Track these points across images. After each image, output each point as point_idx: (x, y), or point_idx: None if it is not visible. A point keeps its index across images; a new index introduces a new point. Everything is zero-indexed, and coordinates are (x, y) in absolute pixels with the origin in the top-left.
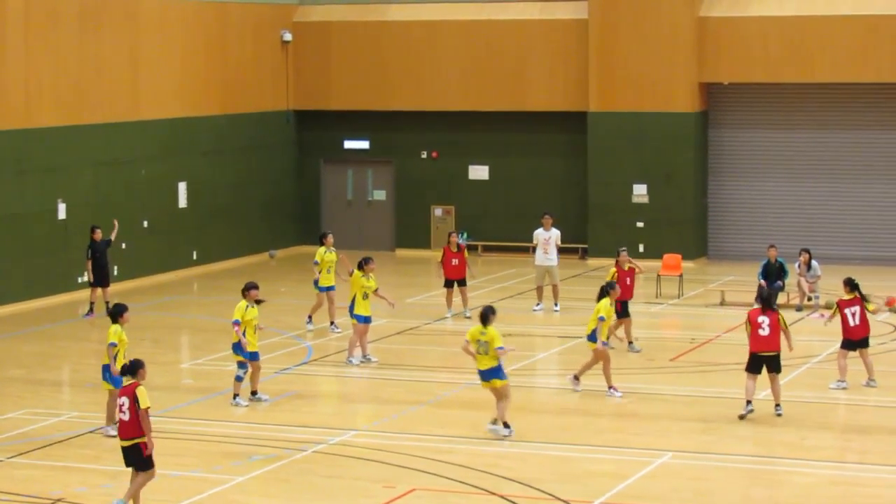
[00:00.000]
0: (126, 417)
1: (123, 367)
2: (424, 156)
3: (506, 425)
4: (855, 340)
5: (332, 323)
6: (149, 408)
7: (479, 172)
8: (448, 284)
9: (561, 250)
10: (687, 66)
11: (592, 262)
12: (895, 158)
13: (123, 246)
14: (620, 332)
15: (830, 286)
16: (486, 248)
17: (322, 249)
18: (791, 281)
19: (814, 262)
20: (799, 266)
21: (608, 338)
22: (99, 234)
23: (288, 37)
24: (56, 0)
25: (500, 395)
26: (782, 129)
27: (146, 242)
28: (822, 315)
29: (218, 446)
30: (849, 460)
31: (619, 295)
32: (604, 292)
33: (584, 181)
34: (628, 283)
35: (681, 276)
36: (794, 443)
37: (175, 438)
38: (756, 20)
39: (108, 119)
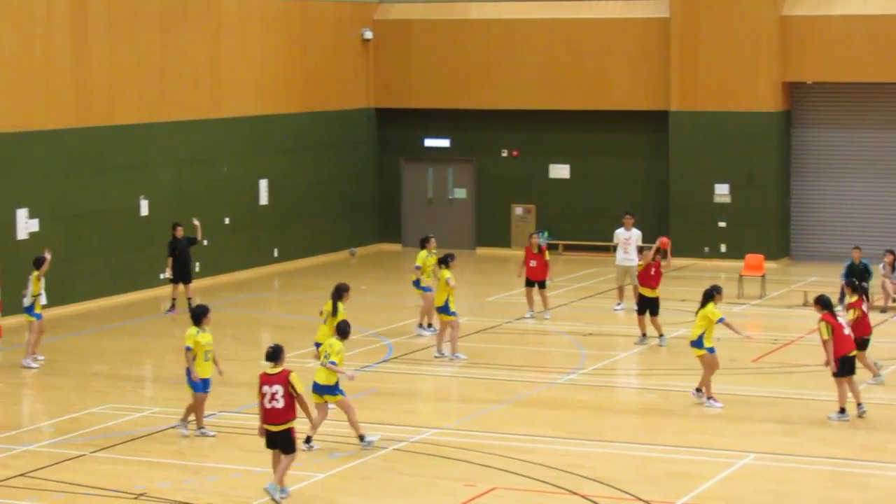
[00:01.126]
0: (280, 405)
1: (267, 353)
2: (505, 154)
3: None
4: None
5: (429, 325)
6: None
7: (559, 171)
8: (528, 284)
9: (641, 250)
10: (770, 65)
11: (674, 262)
12: None
13: (205, 243)
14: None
15: None
16: (567, 248)
17: (423, 253)
18: (875, 282)
19: None
20: (883, 267)
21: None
22: (180, 232)
23: (369, 35)
24: None
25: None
26: (866, 128)
27: (227, 240)
28: None
29: (299, 443)
30: None
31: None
32: (709, 296)
33: (665, 181)
34: (653, 273)
35: (763, 276)
36: (878, 445)
37: (257, 435)
38: (840, 19)
39: (189, 116)
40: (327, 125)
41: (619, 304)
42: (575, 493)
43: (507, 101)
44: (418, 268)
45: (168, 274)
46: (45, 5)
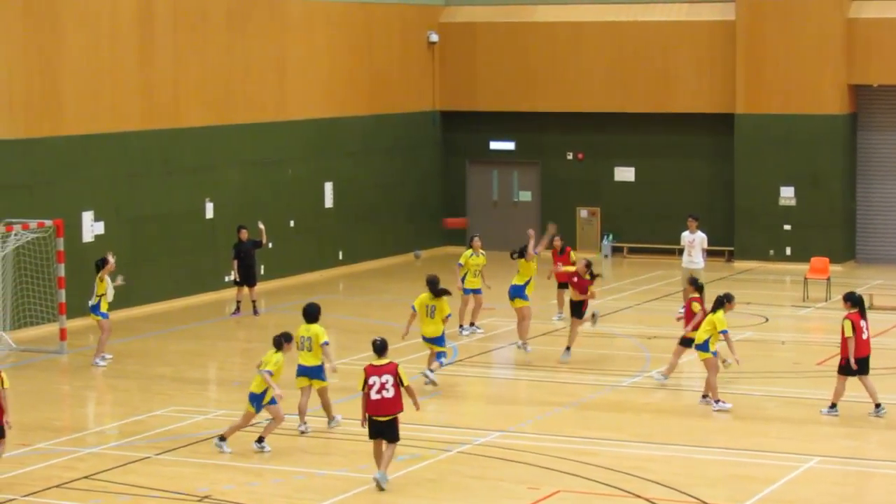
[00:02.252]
0: (389, 395)
1: (375, 346)
2: (570, 157)
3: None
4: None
5: (472, 324)
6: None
7: (624, 174)
8: (560, 286)
9: (707, 253)
10: (835, 67)
11: (739, 264)
12: None
13: (269, 245)
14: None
15: None
16: (631, 251)
17: (468, 252)
18: None
19: None
20: None
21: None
22: (245, 234)
23: (434, 38)
24: (204, 1)
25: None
26: None
27: (292, 242)
28: None
29: (364, 446)
30: None
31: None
32: (720, 303)
33: (730, 183)
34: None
35: (828, 279)
36: None
37: (321, 438)
38: None
39: (254, 119)
40: (393, 127)
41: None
42: (639, 497)
43: (573, 103)
44: (460, 265)
45: (234, 276)
46: (111, 8)
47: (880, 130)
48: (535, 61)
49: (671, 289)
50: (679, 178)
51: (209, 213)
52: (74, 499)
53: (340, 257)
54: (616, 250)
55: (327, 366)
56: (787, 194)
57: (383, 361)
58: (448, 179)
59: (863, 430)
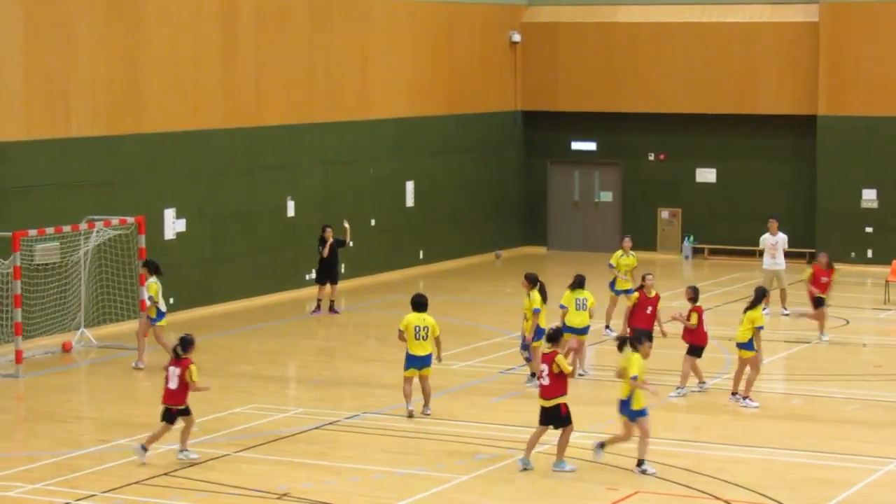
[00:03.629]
0: (546, 382)
1: (548, 335)
2: (652, 158)
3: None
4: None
5: (607, 327)
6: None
7: (706, 175)
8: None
9: (787, 254)
10: None
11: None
12: None
13: (350, 244)
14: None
15: None
16: (713, 252)
17: (618, 253)
18: None
19: None
20: None
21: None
22: (329, 233)
23: (517, 37)
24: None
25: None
26: None
27: (373, 241)
28: None
29: (443, 445)
30: None
31: (638, 323)
32: (759, 298)
33: (812, 185)
34: (649, 311)
35: None
36: None
37: (400, 436)
38: None
39: (336, 118)
40: (474, 127)
41: (764, 308)
42: (718, 498)
43: (654, 104)
44: (612, 266)
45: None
46: (194, 5)
47: None
48: (617, 61)
49: (751, 291)
50: (760, 179)
51: (290, 212)
52: (154, 495)
53: (421, 256)
54: (697, 252)
55: (435, 356)
56: (870, 196)
57: (549, 350)
58: (529, 179)
59: None
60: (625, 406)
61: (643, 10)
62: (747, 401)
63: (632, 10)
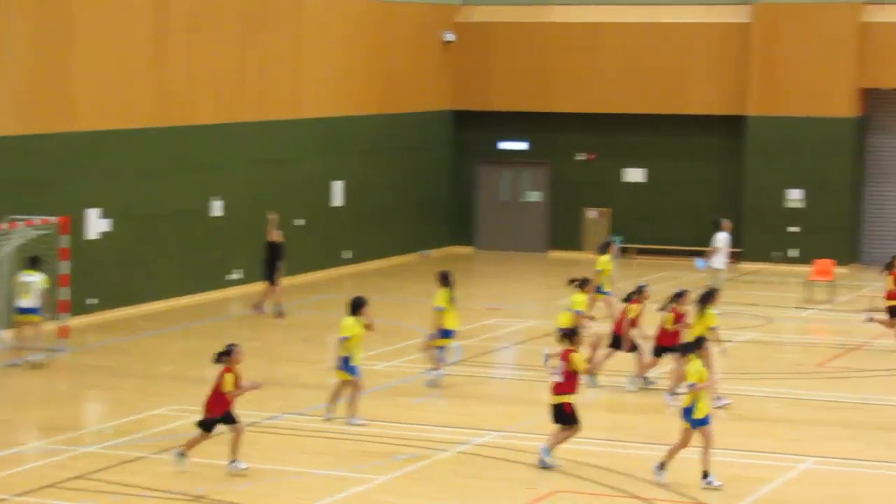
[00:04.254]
0: (560, 380)
1: (564, 332)
2: (581, 158)
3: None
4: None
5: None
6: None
7: (635, 175)
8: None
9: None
10: (848, 71)
11: (745, 266)
12: None
13: (277, 240)
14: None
15: None
16: (641, 251)
17: (605, 258)
18: None
19: None
20: None
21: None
22: (276, 235)
23: (449, 37)
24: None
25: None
26: None
27: (301, 241)
28: None
29: (362, 445)
30: None
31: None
32: (706, 300)
33: (739, 185)
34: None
35: (832, 281)
36: None
37: (320, 437)
38: None
39: (267, 117)
40: (405, 127)
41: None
42: (635, 497)
43: (585, 104)
44: (599, 272)
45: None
46: (126, 4)
47: (891, 134)
48: (549, 61)
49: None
50: (689, 179)
51: (218, 211)
52: (67, 499)
53: (347, 256)
54: (624, 251)
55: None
56: (795, 196)
57: (563, 348)
58: (458, 179)
59: (863, 432)
60: (687, 414)
61: (576, 11)
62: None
63: (565, 10)
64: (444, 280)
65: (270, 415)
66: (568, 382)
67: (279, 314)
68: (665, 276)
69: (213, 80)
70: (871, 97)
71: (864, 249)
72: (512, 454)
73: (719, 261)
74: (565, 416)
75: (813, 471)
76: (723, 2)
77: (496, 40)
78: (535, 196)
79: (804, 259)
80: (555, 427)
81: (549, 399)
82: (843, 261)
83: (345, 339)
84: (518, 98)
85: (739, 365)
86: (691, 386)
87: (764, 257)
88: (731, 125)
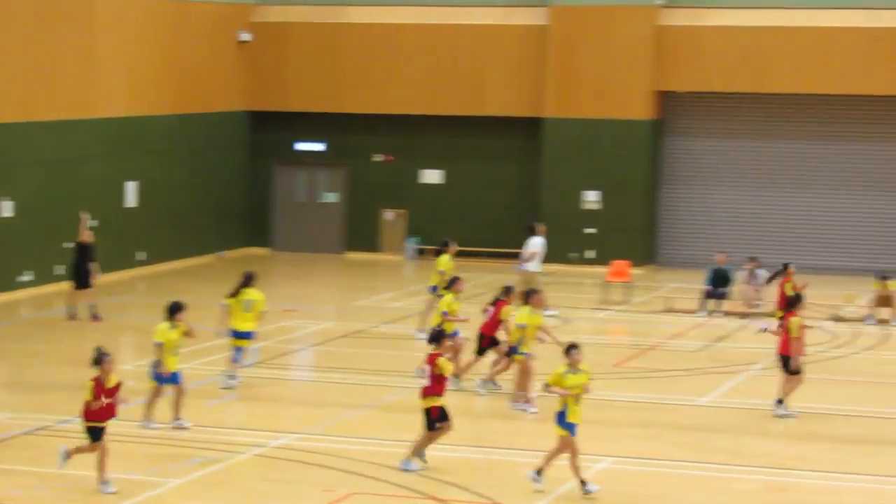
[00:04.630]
0: (426, 382)
1: (429, 336)
2: (379, 159)
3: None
4: None
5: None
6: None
7: (432, 176)
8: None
9: (508, 255)
10: (643, 74)
11: (545, 267)
12: (845, 169)
13: (66, 245)
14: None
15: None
16: (439, 253)
17: (445, 258)
18: (736, 288)
19: (759, 271)
20: (746, 274)
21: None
22: (87, 235)
23: (245, 37)
24: None
25: None
26: (736, 138)
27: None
28: (767, 324)
29: (158, 449)
30: (786, 467)
31: None
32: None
33: (537, 187)
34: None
35: (628, 282)
36: (732, 449)
37: (114, 441)
38: (713, 30)
39: (59, 116)
40: (200, 127)
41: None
42: (433, 498)
43: (384, 105)
44: (442, 273)
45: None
46: None
47: (685, 136)
48: (348, 62)
49: (476, 291)
50: (487, 180)
51: (7, 212)
52: None
53: (143, 257)
54: (422, 252)
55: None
56: (592, 198)
57: (433, 351)
58: (255, 180)
59: (658, 431)
60: (561, 419)
61: (375, 12)
62: (525, 405)
63: (363, 11)
64: (248, 280)
65: (62, 418)
66: (435, 385)
67: (94, 317)
68: (465, 278)
69: (2, 79)
70: (667, 100)
71: (659, 251)
72: (310, 456)
73: (535, 265)
74: (429, 420)
75: (609, 470)
76: (521, 4)
77: (293, 41)
78: (332, 197)
79: (601, 260)
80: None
81: (421, 403)
82: (639, 262)
83: (159, 345)
84: (315, 99)
85: (538, 366)
86: (546, 386)
87: (561, 258)
88: (529, 127)
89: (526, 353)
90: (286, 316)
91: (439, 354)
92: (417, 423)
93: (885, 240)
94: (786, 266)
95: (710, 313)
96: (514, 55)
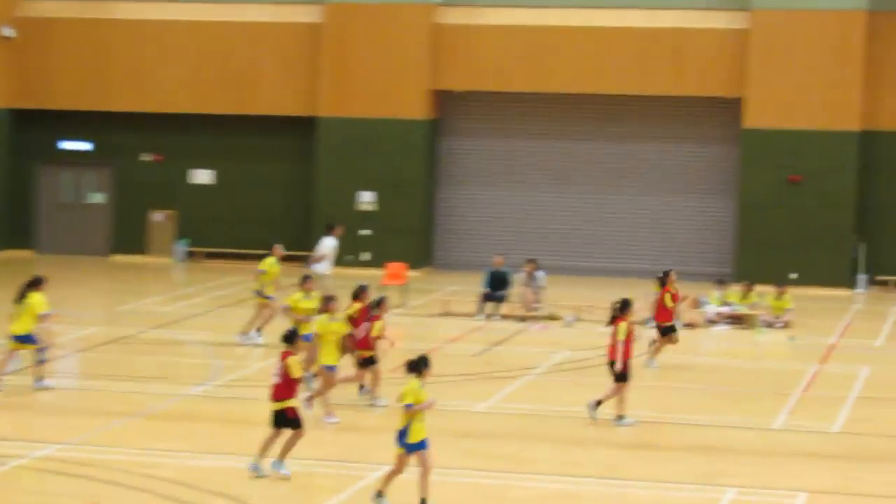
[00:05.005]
0: (279, 381)
1: (283, 335)
2: (147, 159)
3: None
4: None
5: (258, 330)
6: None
7: (203, 177)
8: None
9: (285, 258)
10: (420, 73)
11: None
12: (622, 170)
13: None
14: None
15: (556, 297)
16: (210, 255)
17: (270, 259)
18: (515, 291)
19: (538, 273)
20: (524, 276)
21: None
22: None
23: (8, 32)
24: None
25: None
26: (514, 138)
27: None
28: (546, 326)
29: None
30: (566, 473)
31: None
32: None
33: (311, 187)
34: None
35: (405, 285)
36: (513, 455)
37: None
38: (490, 29)
39: None
40: None
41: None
42: None
43: (152, 104)
44: (263, 272)
45: None
46: None
47: (463, 136)
48: (115, 59)
49: (247, 294)
50: (259, 181)
51: None
52: None
53: None
54: (192, 255)
55: None
56: (368, 199)
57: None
58: (15, 180)
59: (437, 438)
60: (401, 437)
61: (143, 8)
62: (327, 418)
63: (130, 6)
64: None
65: None
66: (288, 387)
67: None
68: (237, 280)
69: None
70: (444, 100)
71: (436, 253)
72: (73, 467)
73: (324, 266)
74: (290, 421)
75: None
76: (294, 1)
77: (58, 36)
78: (98, 198)
79: (376, 262)
80: (273, 432)
81: (271, 405)
82: (415, 264)
83: None
84: (81, 97)
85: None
86: (408, 407)
87: (337, 261)
88: (304, 126)
89: (332, 367)
90: (49, 320)
91: (291, 353)
92: (187, 431)
93: (659, 241)
94: (667, 273)
95: (489, 317)
96: (287, 53)
